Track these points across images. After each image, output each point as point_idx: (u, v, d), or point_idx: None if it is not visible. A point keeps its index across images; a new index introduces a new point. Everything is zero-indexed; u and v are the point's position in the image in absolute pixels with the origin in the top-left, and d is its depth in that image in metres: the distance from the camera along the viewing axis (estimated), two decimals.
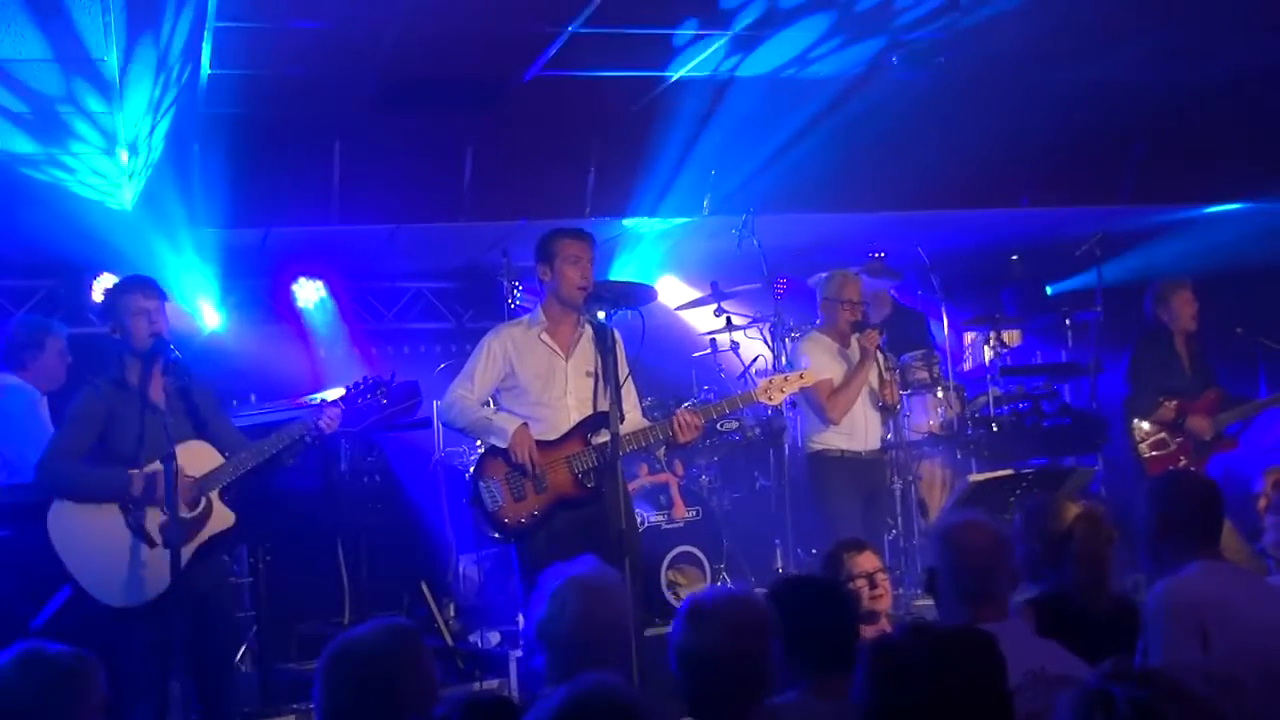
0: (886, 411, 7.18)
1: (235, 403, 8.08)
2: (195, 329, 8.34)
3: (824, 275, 7.61)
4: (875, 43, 7.30)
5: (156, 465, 4.84)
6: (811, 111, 7.94)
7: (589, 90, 7.61)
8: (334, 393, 5.56)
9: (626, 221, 8.47)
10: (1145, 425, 7.59)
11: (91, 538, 4.92)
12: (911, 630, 2.58)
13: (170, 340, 5.05)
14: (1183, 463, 7.52)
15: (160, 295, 5.09)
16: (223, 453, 5.07)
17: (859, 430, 7.02)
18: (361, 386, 5.31)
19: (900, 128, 8.14)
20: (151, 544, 4.90)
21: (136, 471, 4.86)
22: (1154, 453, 7.58)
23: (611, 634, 3.53)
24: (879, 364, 7.16)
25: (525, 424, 5.52)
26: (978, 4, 6.77)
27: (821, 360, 7.00)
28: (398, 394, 7.16)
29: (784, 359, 7.63)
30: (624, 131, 7.89)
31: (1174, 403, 7.57)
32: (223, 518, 5.02)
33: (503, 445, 5.49)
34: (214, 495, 5.00)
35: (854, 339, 7.11)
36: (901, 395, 7.49)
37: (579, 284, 5.56)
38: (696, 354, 8.77)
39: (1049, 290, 10.44)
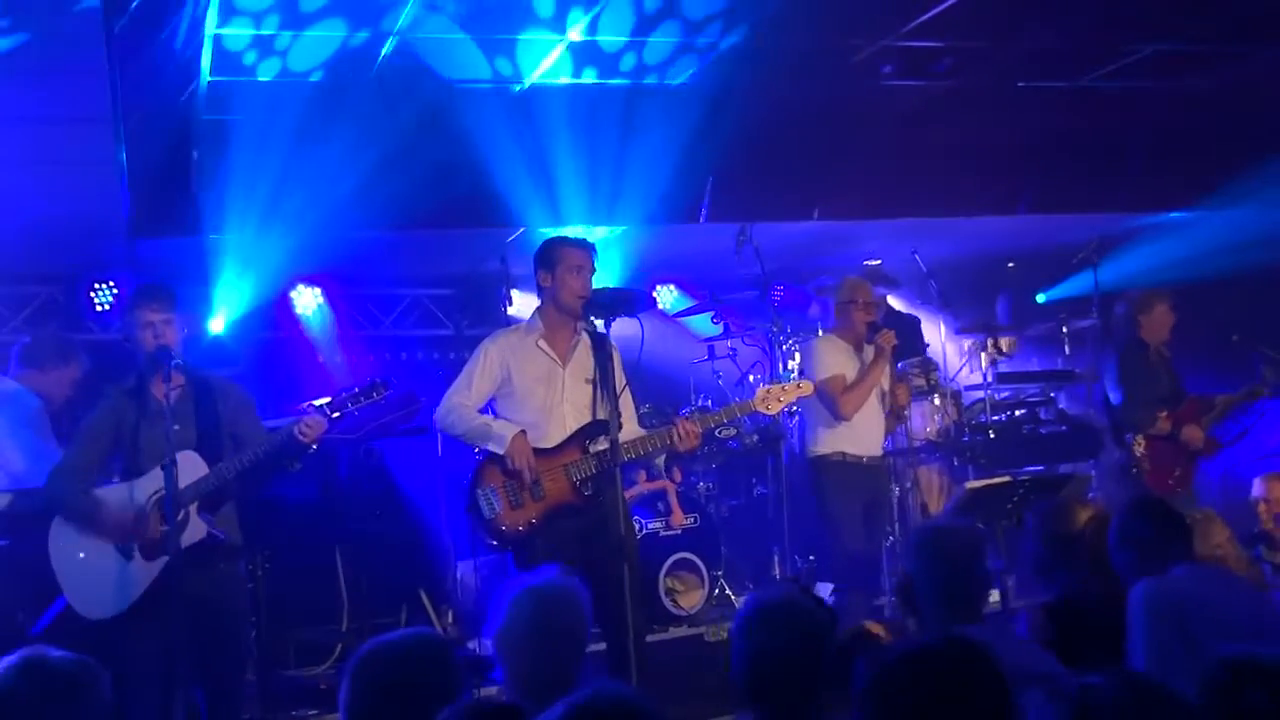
0: (896, 417, 7.16)
1: None
2: (201, 333, 8.38)
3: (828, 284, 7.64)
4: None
5: (155, 473, 4.85)
6: (808, 118, 7.97)
7: (589, 97, 7.63)
8: (324, 400, 5.56)
9: (623, 228, 8.48)
10: (1142, 439, 7.60)
11: (79, 550, 4.97)
12: (904, 652, 2.58)
13: (177, 348, 5.04)
14: (1178, 474, 7.54)
15: (171, 306, 5.09)
16: (228, 456, 5.08)
17: (864, 435, 6.99)
18: (355, 390, 5.29)
19: (896, 135, 8.16)
20: (129, 556, 4.93)
21: (116, 509, 4.90)
22: (1150, 465, 7.58)
23: (566, 644, 3.49)
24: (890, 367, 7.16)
25: (523, 431, 5.52)
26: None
27: (836, 359, 6.98)
28: (396, 400, 7.19)
29: (783, 365, 7.65)
30: (621, 138, 7.90)
31: (1165, 413, 7.59)
32: (195, 530, 4.99)
33: (500, 452, 5.49)
34: (192, 508, 4.99)
35: (867, 346, 7.10)
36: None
37: (579, 293, 5.56)
38: (694, 361, 8.79)
39: (1041, 298, 10.44)
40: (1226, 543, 4.95)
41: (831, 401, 6.86)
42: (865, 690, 2.51)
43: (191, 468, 4.98)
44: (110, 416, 5.07)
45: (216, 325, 8.65)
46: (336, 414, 5.16)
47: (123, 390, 5.10)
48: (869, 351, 7.06)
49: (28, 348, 6.37)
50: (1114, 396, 7.74)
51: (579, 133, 7.70)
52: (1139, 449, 7.56)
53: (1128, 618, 3.90)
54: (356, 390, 5.24)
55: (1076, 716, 2.19)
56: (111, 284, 8.07)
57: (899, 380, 7.28)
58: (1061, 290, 10.03)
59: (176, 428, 4.88)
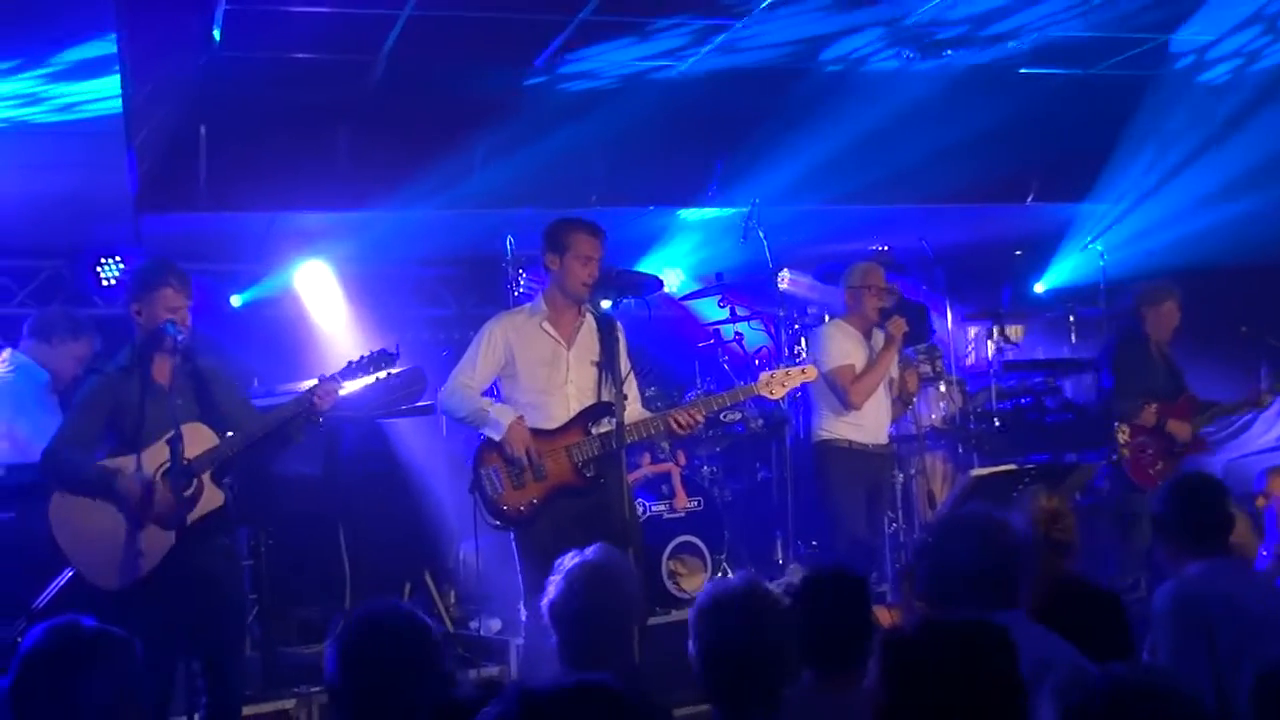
0: (904, 404, 7.14)
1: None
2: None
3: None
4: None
5: (160, 446, 4.84)
6: (818, 104, 7.93)
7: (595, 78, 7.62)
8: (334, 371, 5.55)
9: (634, 211, 8.46)
10: (1127, 428, 7.59)
11: (87, 522, 4.93)
12: (925, 625, 2.59)
13: (179, 325, 5.02)
14: (1159, 466, 7.52)
15: (191, 294, 5.09)
16: (222, 433, 5.07)
17: (871, 422, 6.96)
18: (364, 360, 5.28)
19: (907, 121, 8.13)
20: (141, 525, 4.90)
21: (130, 476, 4.86)
22: (1132, 455, 7.57)
23: (621, 618, 3.62)
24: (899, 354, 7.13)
25: (521, 417, 5.50)
26: None
27: (845, 346, 6.96)
28: (401, 379, 7.16)
29: (788, 350, 7.63)
30: (631, 121, 7.88)
31: (1154, 406, 7.57)
32: (212, 498, 5.01)
33: (497, 438, 5.49)
34: (205, 476, 4.99)
35: (876, 330, 7.07)
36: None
37: (585, 280, 5.55)
38: (700, 344, 8.76)
39: (1040, 287, 10.39)
40: (1247, 534, 4.95)
41: (842, 391, 6.85)
42: (882, 657, 2.52)
43: (200, 439, 4.98)
44: (106, 393, 5.03)
45: (234, 301, 8.67)
46: (350, 381, 5.18)
47: (119, 367, 5.06)
48: (878, 338, 7.04)
49: (38, 320, 6.37)
50: (1106, 384, 7.77)
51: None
52: (1122, 437, 7.55)
53: (1152, 615, 3.89)
54: (364, 359, 5.25)
55: (1092, 706, 2.19)
56: (118, 259, 8.04)
57: (908, 367, 7.26)
58: (1055, 275, 9.99)
59: (180, 402, 4.89)
